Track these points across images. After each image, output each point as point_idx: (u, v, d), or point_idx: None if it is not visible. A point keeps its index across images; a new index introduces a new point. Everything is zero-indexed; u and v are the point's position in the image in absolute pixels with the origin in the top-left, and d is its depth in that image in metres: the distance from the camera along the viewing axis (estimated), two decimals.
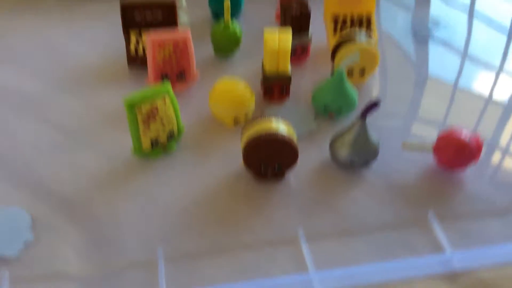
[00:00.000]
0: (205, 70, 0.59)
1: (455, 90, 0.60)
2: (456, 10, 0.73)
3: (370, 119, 0.47)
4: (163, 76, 0.55)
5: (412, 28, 0.69)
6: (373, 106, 0.46)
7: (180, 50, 0.53)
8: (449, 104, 0.58)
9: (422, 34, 0.68)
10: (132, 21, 0.58)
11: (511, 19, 0.70)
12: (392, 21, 0.71)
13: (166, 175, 0.49)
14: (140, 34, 0.59)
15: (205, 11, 0.67)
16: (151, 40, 0.52)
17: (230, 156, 0.49)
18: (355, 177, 0.49)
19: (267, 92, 0.56)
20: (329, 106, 0.53)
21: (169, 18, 0.58)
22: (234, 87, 0.51)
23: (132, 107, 0.45)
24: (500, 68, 0.63)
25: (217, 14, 0.65)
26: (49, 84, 0.58)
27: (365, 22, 0.63)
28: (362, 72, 0.58)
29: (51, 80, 0.59)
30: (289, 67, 0.54)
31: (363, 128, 0.47)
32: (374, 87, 0.59)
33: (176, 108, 0.49)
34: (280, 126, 0.46)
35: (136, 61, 0.58)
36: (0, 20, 0.67)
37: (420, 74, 0.62)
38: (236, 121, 0.53)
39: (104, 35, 0.64)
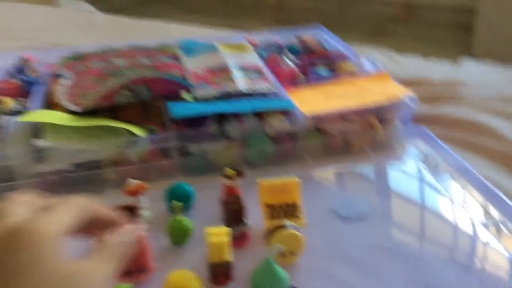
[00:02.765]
0: (162, 258, 0.71)
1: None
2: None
3: None
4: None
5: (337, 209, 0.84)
6: None
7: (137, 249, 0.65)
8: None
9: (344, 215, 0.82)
10: None
11: None
12: (322, 204, 0.86)
13: None
14: None
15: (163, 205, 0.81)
16: None
17: None
18: None
19: (212, 278, 0.67)
20: None
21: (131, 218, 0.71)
22: (183, 281, 0.62)
23: None
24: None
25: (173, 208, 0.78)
26: None
27: (293, 208, 0.77)
28: (292, 253, 0.70)
29: None
30: (229, 256, 0.66)
31: None
32: (304, 264, 0.71)
33: None
34: None
35: None
36: None
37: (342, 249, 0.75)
38: None
39: None
